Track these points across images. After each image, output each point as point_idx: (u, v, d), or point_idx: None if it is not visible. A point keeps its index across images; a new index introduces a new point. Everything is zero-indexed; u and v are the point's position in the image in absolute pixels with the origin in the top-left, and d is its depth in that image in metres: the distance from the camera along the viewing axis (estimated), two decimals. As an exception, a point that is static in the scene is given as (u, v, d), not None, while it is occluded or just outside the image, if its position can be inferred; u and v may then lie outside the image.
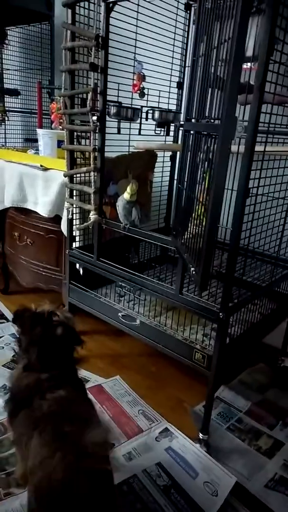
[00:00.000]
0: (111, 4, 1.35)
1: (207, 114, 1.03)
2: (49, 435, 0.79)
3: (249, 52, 1.12)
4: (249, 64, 1.22)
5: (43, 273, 1.98)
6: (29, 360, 0.96)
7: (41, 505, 0.73)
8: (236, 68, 0.81)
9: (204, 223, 1.05)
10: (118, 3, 1.36)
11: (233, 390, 1.64)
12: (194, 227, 1.10)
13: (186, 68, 1.87)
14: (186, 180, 1.18)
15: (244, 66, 1.10)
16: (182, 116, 1.86)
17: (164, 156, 1.99)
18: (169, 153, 2.03)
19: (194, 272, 1.04)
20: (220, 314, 1.19)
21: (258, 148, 1.05)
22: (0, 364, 1.68)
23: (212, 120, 0.98)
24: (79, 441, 0.74)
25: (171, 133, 1.93)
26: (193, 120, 1.13)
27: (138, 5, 1.53)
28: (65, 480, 0.71)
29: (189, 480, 1.22)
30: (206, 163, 1.05)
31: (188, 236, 1.15)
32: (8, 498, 1.11)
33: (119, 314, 1.53)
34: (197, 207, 1.11)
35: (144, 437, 1.38)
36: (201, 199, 1.03)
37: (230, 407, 1.56)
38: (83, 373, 1.70)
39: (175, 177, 2.06)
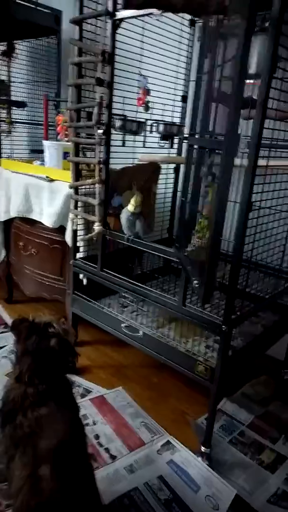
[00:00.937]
0: (117, 21, 1.38)
1: (210, 129, 1.05)
2: (27, 459, 0.80)
3: (252, 69, 1.14)
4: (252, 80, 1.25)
5: (47, 283, 2.00)
6: (21, 370, 0.96)
7: None
8: (239, 87, 0.82)
9: (207, 236, 1.06)
10: (125, 20, 1.39)
11: (236, 403, 1.64)
12: (197, 240, 1.11)
13: (190, 82, 1.91)
14: (189, 193, 1.19)
15: (247, 81, 1.12)
16: (186, 129, 1.88)
17: (168, 168, 2.01)
18: (173, 165, 2.05)
19: (197, 285, 1.05)
20: (223, 326, 1.19)
21: (261, 162, 1.07)
22: (3, 374, 1.68)
23: (215, 136, 1.00)
24: (46, 461, 0.75)
25: (175, 146, 1.95)
26: (196, 135, 1.14)
27: (144, 21, 1.57)
28: (39, 506, 0.72)
29: (191, 493, 1.21)
30: (210, 177, 1.07)
31: (191, 248, 1.16)
32: (9, 510, 1.11)
33: (122, 325, 1.53)
34: (200, 220, 1.12)
35: (146, 449, 1.37)
36: (204, 213, 1.05)
37: (233, 420, 1.55)
38: (85, 383, 1.70)
39: (179, 189, 2.08)
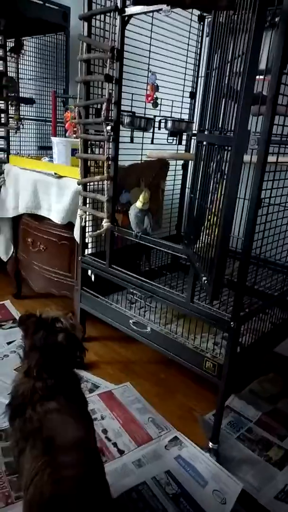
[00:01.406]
0: (126, 17, 1.38)
1: (220, 126, 1.05)
2: (38, 451, 0.81)
3: (262, 65, 1.13)
4: (262, 76, 1.24)
5: (55, 279, 2.01)
6: (29, 365, 0.97)
7: None
8: (249, 83, 0.82)
9: (216, 233, 1.06)
10: (134, 16, 1.39)
11: (244, 400, 1.64)
12: (206, 237, 1.11)
13: (199, 78, 1.90)
14: (198, 189, 1.19)
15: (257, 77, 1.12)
16: (194, 126, 1.88)
17: (176, 165, 2.01)
18: (181, 162, 2.05)
19: (205, 282, 1.05)
20: (231, 323, 1.19)
21: (271, 158, 1.07)
22: (12, 368, 1.70)
23: (225, 132, 0.99)
24: (63, 452, 0.76)
25: (183, 142, 1.95)
26: (206, 132, 1.14)
27: (152, 17, 1.56)
28: (53, 496, 0.73)
29: (198, 488, 1.22)
30: (219, 173, 1.07)
31: (200, 245, 1.16)
32: (18, 502, 1.12)
33: (130, 321, 1.54)
34: (209, 216, 1.12)
35: (153, 445, 1.38)
36: (213, 209, 1.05)
37: (241, 416, 1.56)
38: (93, 379, 1.71)
39: (187, 186, 2.08)
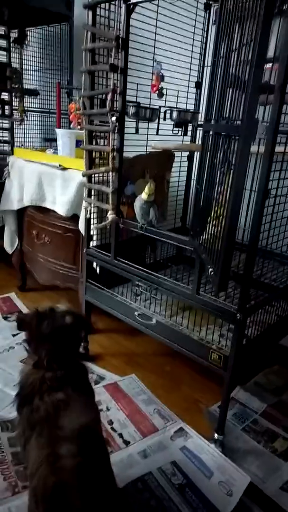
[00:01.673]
0: (131, 6, 1.36)
1: (226, 115, 1.03)
2: (44, 440, 0.81)
3: (269, 53, 1.11)
4: (269, 64, 1.22)
5: (60, 271, 2.01)
6: (39, 357, 0.97)
7: (38, 507, 0.76)
8: (258, 70, 0.81)
9: (222, 224, 1.05)
10: (139, 4, 1.37)
11: (249, 392, 1.64)
12: (213, 228, 1.10)
13: (205, 68, 1.87)
14: (205, 180, 1.18)
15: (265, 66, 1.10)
16: (200, 116, 1.86)
17: (181, 156, 1.99)
18: (187, 153, 2.03)
19: (212, 273, 1.04)
20: (238, 315, 1.19)
21: (278, 148, 1.05)
22: (18, 360, 1.71)
23: (232, 121, 0.98)
24: (66, 442, 0.76)
25: (189, 133, 1.93)
26: (212, 121, 1.13)
27: (158, 5, 1.54)
28: (57, 484, 0.74)
29: (204, 479, 1.23)
30: (226, 164, 1.05)
31: (206, 236, 1.15)
32: (25, 491, 1.14)
33: (136, 313, 1.54)
34: (216, 207, 1.11)
35: (159, 436, 1.39)
36: (220, 200, 1.04)
37: (246, 408, 1.56)
38: (98, 370, 1.72)
39: (193, 177, 2.06)
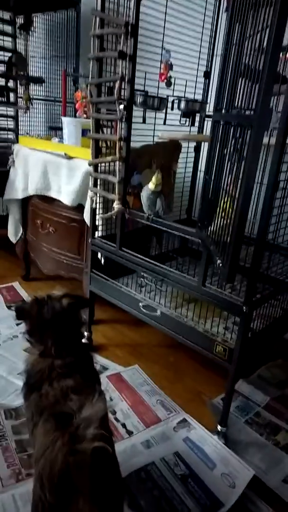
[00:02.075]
0: (142, -9, 1.33)
1: (238, 104, 1.01)
2: (51, 425, 0.81)
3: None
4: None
5: (64, 261, 2.00)
6: (45, 345, 0.97)
7: (43, 491, 0.76)
8: (274, 57, 0.79)
9: (231, 215, 1.04)
10: (149, -11, 1.34)
11: (252, 384, 1.64)
12: (221, 219, 1.09)
13: (214, 57, 1.84)
14: (214, 171, 1.17)
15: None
16: (208, 107, 1.83)
17: (188, 147, 1.97)
18: (194, 144, 2.01)
19: (220, 264, 1.03)
20: (244, 307, 1.18)
21: (290, 140, 1.03)
22: (22, 349, 1.72)
23: (244, 111, 0.96)
24: (77, 427, 0.76)
25: (196, 124, 1.90)
26: (223, 111, 1.11)
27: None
28: (63, 467, 0.73)
29: (207, 470, 1.23)
30: (236, 154, 1.04)
31: (214, 228, 1.14)
32: (29, 478, 1.14)
33: (140, 304, 1.53)
34: (224, 199, 1.10)
35: (162, 426, 1.39)
36: (229, 191, 1.02)
37: (249, 401, 1.56)
38: (102, 361, 1.72)
39: (199, 169, 2.04)
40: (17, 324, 1.92)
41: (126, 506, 1.09)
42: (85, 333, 1.80)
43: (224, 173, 1.06)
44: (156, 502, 1.12)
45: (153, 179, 1.44)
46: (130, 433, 1.35)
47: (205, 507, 1.11)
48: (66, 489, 0.74)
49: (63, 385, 0.89)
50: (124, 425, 1.39)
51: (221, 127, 1.11)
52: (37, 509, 0.77)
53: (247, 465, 1.24)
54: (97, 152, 1.59)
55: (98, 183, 1.64)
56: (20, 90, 2.32)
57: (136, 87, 1.48)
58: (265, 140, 1.05)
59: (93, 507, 0.73)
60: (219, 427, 1.34)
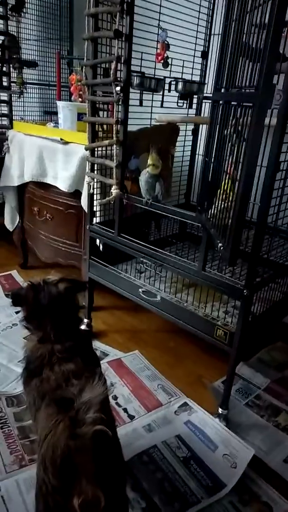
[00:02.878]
0: None
1: (238, 83, 0.99)
2: (53, 409, 0.81)
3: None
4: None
5: (62, 249, 1.99)
6: (44, 331, 0.96)
7: (46, 474, 0.76)
8: (276, 30, 0.76)
9: (231, 198, 1.02)
10: None
11: (252, 368, 1.65)
12: (221, 202, 1.07)
13: (212, 37, 1.80)
14: (214, 153, 1.14)
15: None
16: (206, 87, 1.79)
17: (186, 130, 1.94)
18: (191, 127, 1.97)
19: (221, 248, 1.02)
20: (245, 291, 1.18)
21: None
22: (21, 337, 1.71)
23: (244, 89, 0.94)
24: (77, 411, 0.76)
25: (194, 106, 1.87)
26: (222, 90, 1.08)
27: None
28: (65, 449, 0.73)
29: (209, 452, 1.24)
30: (235, 135, 1.02)
31: (214, 211, 1.12)
32: (32, 464, 1.15)
33: (140, 290, 1.53)
34: (224, 181, 1.08)
35: (163, 410, 1.40)
36: (229, 172, 1.00)
37: (249, 383, 1.57)
38: (102, 347, 1.73)
39: (197, 152, 2.01)
40: (16, 312, 1.92)
41: (129, 488, 1.10)
42: (85, 320, 1.80)
43: (225, 154, 1.04)
44: (159, 484, 1.13)
45: (149, 160, 1.41)
46: (131, 417, 1.36)
47: (207, 488, 1.13)
48: (69, 472, 0.74)
49: (64, 369, 0.88)
50: (125, 410, 1.39)
51: (221, 107, 1.08)
52: (41, 491, 0.78)
53: (247, 445, 1.25)
54: (93, 136, 1.56)
55: (95, 168, 1.62)
56: (13, 74, 2.27)
57: (132, 68, 1.45)
58: (266, 120, 1.03)
59: (96, 489, 0.73)
60: (220, 410, 1.35)
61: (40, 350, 0.94)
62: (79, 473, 0.74)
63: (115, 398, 1.44)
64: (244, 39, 0.96)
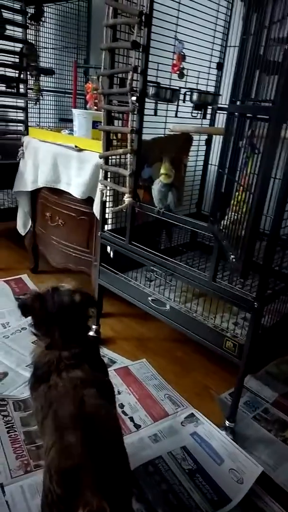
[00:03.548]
0: (156, -21, 1.30)
1: (254, 96, 1.00)
2: (61, 416, 0.81)
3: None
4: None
5: (73, 254, 2.00)
6: (52, 339, 0.97)
7: (52, 483, 0.76)
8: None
9: (244, 210, 1.02)
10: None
11: (260, 380, 1.63)
12: (234, 214, 1.07)
13: (227, 48, 1.81)
14: (228, 164, 1.15)
15: None
16: (221, 99, 1.80)
17: (199, 140, 1.95)
18: (205, 137, 1.98)
19: (233, 260, 1.02)
20: (255, 304, 1.17)
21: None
22: (30, 341, 1.72)
23: (260, 102, 0.94)
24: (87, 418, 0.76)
25: (208, 117, 1.88)
26: (238, 102, 1.09)
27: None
28: (70, 460, 0.74)
29: (214, 465, 1.23)
30: (250, 147, 1.02)
31: (227, 222, 1.12)
32: (38, 470, 1.15)
33: (149, 298, 1.53)
34: (237, 193, 1.08)
35: (169, 420, 1.39)
36: (243, 184, 1.01)
37: (257, 397, 1.55)
38: (110, 354, 1.72)
39: (210, 162, 2.02)
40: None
41: (134, 499, 1.09)
42: (94, 326, 1.80)
43: (239, 166, 1.04)
44: (164, 496, 1.12)
45: (162, 169, 1.42)
46: (138, 426, 1.35)
47: (212, 502, 1.11)
48: (74, 482, 0.74)
49: (72, 376, 0.88)
50: (131, 419, 1.39)
51: (236, 119, 1.09)
52: (47, 500, 0.78)
53: (256, 461, 1.23)
54: (108, 145, 1.58)
55: (109, 176, 1.63)
56: (31, 81, 2.31)
57: (148, 78, 1.46)
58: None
59: (101, 501, 0.73)
60: (227, 422, 1.34)
61: (48, 356, 0.94)
62: (85, 483, 0.74)
63: (122, 406, 1.44)
64: (261, 53, 0.96)
